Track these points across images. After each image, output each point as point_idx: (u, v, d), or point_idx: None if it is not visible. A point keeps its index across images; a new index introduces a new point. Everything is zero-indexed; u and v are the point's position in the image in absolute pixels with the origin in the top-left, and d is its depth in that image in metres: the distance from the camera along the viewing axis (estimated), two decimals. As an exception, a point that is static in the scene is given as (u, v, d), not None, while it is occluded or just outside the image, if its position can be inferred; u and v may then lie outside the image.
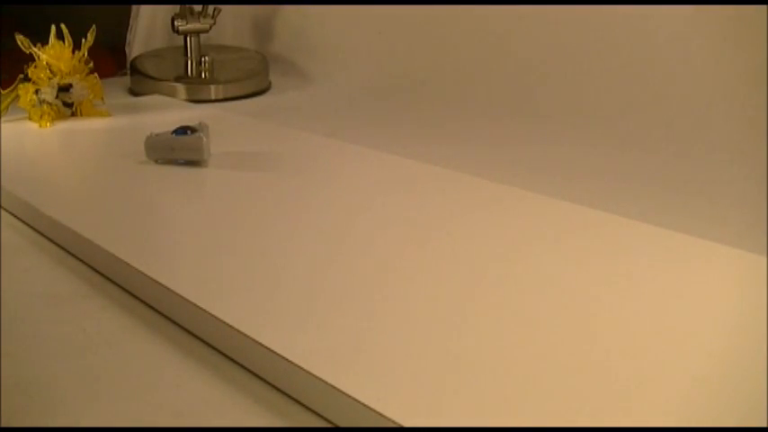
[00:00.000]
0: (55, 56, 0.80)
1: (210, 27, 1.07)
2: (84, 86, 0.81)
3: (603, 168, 0.74)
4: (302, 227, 0.55)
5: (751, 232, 0.58)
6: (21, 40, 0.79)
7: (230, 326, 0.41)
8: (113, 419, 0.37)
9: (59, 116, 0.81)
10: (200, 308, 0.43)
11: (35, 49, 0.79)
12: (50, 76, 0.80)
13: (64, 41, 0.80)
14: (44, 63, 0.79)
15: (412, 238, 0.53)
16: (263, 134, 0.79)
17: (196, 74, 1.05)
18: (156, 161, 0.67)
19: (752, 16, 0.75)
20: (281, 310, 0.43)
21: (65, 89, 0.81)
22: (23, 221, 0.60)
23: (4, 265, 0.52)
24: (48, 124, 0.79)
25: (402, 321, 0.42)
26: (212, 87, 1.01)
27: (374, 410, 0.34)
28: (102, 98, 0.84)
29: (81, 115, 0.83)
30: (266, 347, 0.39)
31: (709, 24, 0.79)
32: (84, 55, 0.81)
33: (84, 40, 0.81)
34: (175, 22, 1.04)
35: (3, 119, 0.79)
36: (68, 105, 0.82)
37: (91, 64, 0.82)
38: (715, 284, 0.47)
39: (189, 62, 1.06)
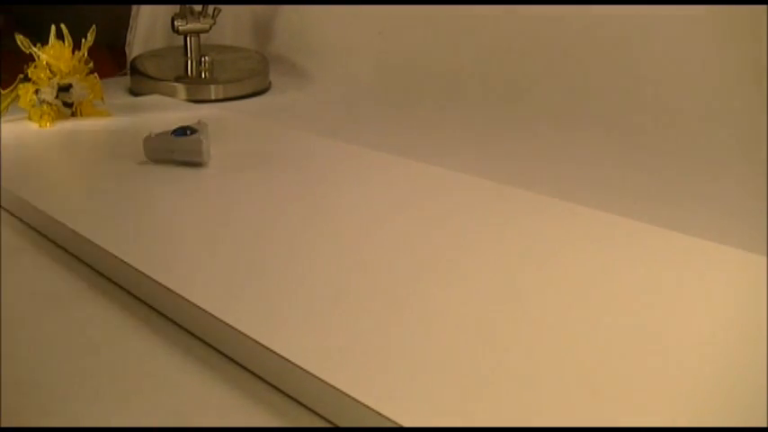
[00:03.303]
0: (55, 56, 0.80)
1: (210, 27, 1.07)
2: (84, 86, 0.81)
3: (603, 168, 0.74)
4: (302, 227, 0.55)
5: (751, 232, 0.58)
6: (21, 40, 0.79)
7: (230, 326, 0.41)
8: (113, 419, 0.37)
9: (59, 116, 0.81)
10: (200, 308, 0.43)
11: (35, 49, 0.79)
12: (50, 76, 0.80)
13: (64, 41, 0.80)
14: (44, 63, 0.79)
15: (412, 237, 0.53)
16: (263, 134, 0.79)
17: (196, 74, 1.05)
18: (156, 162, 0.67)
19: (752, 16, 0.75)
20: (281, 310, 0.43)
21: (65, 89, 0.81)
22: (23, 221, 0.60)
23: (4, 265, 0.52)
24: (48, 124, 0.79)
25: (402, 321, 0.42)
26: (212, 87, 1.01)
27: (374, 410, 0.34)
28: (102, 98, 0.84)
29: (81, 115, 0.83)
30: (266, 347, 0.39)
31: (709, 24, 0.79)
32: (84, 55, 0.81)
33: (84, 40, 0.81)
34: (175, 22, 1.04)
35: (3, 119, 0.79)
36: (68, 105, 0.82)
37: (91, 64, 0.82)
38: (715, 284, 0.47)
39: (189, 62, 1.06)
